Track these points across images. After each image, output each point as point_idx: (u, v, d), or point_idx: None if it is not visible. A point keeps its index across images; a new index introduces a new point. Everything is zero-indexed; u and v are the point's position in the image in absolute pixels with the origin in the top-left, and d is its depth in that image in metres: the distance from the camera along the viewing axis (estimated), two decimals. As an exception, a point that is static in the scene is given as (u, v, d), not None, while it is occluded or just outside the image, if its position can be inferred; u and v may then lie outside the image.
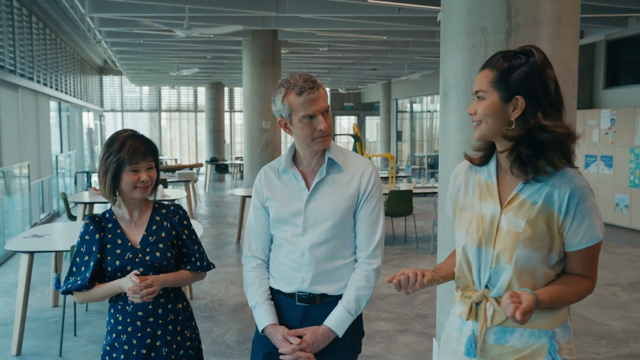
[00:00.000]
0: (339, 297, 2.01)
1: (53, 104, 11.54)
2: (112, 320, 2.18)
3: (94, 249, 2.14)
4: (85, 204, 7.18)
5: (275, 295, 2.08)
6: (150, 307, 2.13)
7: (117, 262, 2.12)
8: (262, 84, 10.05)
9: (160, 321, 2.15)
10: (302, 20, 8.63)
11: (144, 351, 2.12)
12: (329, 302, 2.02)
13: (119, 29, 9.44)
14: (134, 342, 2.12)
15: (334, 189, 2.01)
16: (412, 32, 10.01)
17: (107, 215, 2.22)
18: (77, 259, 2.16)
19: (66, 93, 12.62)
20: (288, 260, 2.03)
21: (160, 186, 7.41)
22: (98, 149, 18.19)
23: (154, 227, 2.21)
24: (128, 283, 2.04)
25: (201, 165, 16.33)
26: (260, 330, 2.04)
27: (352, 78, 19.15)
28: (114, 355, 2.15)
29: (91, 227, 2.17)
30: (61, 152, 12.29)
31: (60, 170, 11.97)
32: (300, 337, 1.97)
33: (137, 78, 18.99)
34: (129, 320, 2.13)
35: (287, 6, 7.75)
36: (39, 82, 9.72)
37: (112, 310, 2.18)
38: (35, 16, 9.74)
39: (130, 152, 2.10)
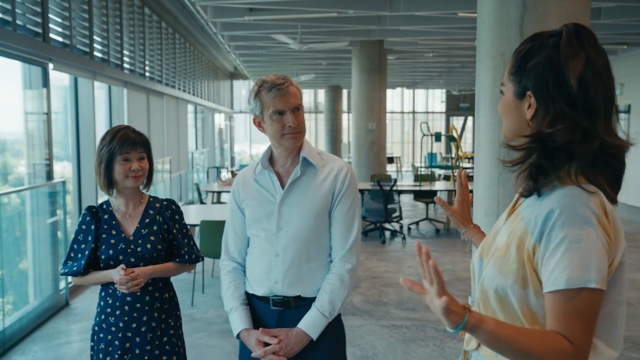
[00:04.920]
0: (314, 299, 1.98)
1: (190, 108, 13.24)
2: (102, 303, 2.29)
3: (89, 238, 2.26)
4: (214, 192, 8.58)
5: (251, 300, 2.06)
6: (138, 294, 2.24)
7: (111, 252, 2.23)
8: (369, 89, 11.00)
9: (146, 308, 2.25)
10: (402, 31, 9.47)
11: (129, 334, 2.23)
12: (304, 305, 1.98)
13: (245, 43, 10.88)
14: (121, 324, 2.23)
15: (308, 189, 1.99)
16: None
17: (105, 206, 2.33)
18: (75, 246, 2.29)
19: (201, 97, 14.30)
20: (262, 261, 2.01)
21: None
22: (227, 147, 20.04)
23: (147, 220, 2.31)
24: (116, 275, 2.17)
25: None
26: (235, 335, 2.01)
27: (465, 80, 19.47)
28: (101, 335, 2.26)
29: (88, 218, 2.29)
30: (196, 149, 14.07)
31: (195, 165, 13.75)
32: (275, 337, 1.94)
33: (262, 83, 20.68)
34: (117, 304, 2.24)
35: (387, 20, 8.66)
36: (179, 89, 11.38)
37: (103, 294, 2.30)
38: (178, 33, 11.42)
39: (121, 142, 2.21)
